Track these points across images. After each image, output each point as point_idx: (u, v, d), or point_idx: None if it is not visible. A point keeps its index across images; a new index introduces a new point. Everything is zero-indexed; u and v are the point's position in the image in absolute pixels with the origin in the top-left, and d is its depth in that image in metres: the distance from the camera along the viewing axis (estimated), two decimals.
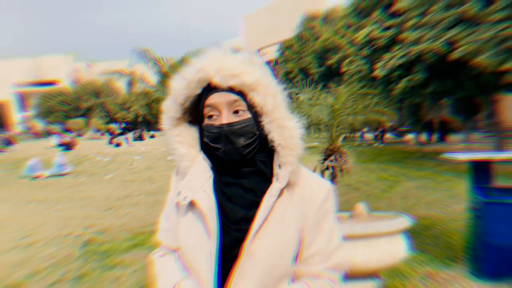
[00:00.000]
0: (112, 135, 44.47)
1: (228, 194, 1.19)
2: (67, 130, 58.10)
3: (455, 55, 11.48)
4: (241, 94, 1.16)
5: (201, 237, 1.17)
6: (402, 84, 13.72)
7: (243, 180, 1.20)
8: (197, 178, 1.23)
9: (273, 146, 1.19)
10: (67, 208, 9.03)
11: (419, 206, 7.75)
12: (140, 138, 43.19)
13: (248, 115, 1.17)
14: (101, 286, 4.42)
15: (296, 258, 1.21)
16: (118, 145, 33.14)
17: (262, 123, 1.18)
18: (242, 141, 1.15)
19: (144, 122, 61.70)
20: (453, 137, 25.80)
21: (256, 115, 1.18)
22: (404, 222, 3.54)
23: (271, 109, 1.17)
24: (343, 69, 22.86)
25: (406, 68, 13.52)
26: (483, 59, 10.86)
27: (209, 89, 1.17)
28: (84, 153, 25.01)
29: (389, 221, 3.50)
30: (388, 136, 32.33)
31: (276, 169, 1.19)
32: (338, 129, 5.63)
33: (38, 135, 58.71)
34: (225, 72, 1.14)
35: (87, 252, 5.72)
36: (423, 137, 23.05)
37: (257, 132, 1.18)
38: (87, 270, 4.96)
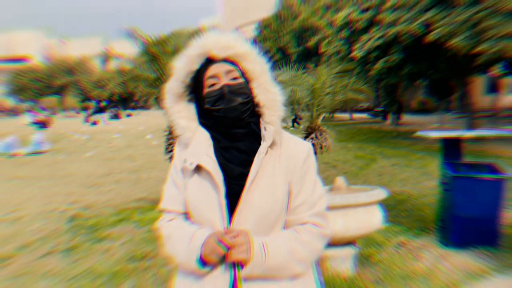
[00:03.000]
0: (89, 112, 43.87)
1: (226, 157, 1.41)
2: (41, 108, 56.85)
3: (430, 37, 11.80)
4: (235, 64, 1.42)
5: (210, 192, 1.38)
6: (379, 65, 14.03)
7: (238, 143, 1.42)
8: (199, 146, 1.44)
9: (259, 111, 1.44)
10: (50, 185, 9.08)
11: (394, 182, 8.12)
12: (116, 116, 42.75)
13: (242, 80, 1.42)
14: (91, 257, 4.60)
15: (286, 209, 1.43)
16: (94, 123, 32.79)
17: (252, 88, 1.44)
18: (239, 99, 1.39)
19: (120, 101, 60.81)
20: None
21: (246, 82, 1.43)
22: (380, 193, 3.82)
23: (259, 75, 1.43)
24: (322, 50, 23.08)
25: (383, 49, 13.82)
26: (457, 42, 11.23)
27: (207, 62, 1.42)
28: (61, 131, 24.71)
29: (366, 193, 3.77)
30: (364, 116, 32.95)
31: (262, 131, 1.42)
32: (319, 108, 5.88)
33: (6, 112, 57.57)
34: (222, 45, 1.40)
35: (74, 227, 5.86)
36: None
37: (250, 95, 1.43)
38: (77, 242, 5.12)
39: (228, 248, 1.30)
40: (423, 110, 34.30)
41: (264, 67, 1.45)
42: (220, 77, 1.40)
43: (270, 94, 1.44)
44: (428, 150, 12.11)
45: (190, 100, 1.50)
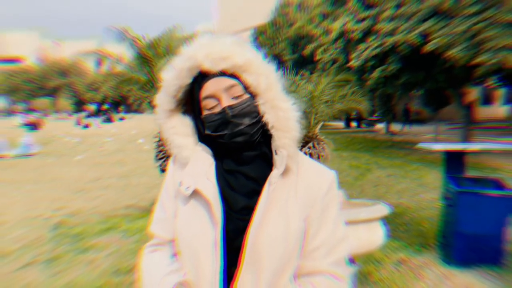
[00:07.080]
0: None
1: (230, 182, 1.15)
2: (32, 110, 56.33)
3: (428, 47, 11.67)
4: (235, 77, 1.13)
5: (205, 226, 1.12)
6: (376, 74, 13.89)
7: (245, 167, 1.15)
8: (199, 166, 1.18)
9: (269, 130, 1.16)
10: (35, 190, 8.77)
11: (390, 194, 7.92)
12: (109, 120, 42.35)
13: (246, 96, 1.14)
14: (74, 269, 4.33)
15: (300, 251, 1.16)
16: (86, 126, 32.40)
17: (258, 104, 1.15)
18: (247, 121, 1.12)
19: (113, 104, 60.42)
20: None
21: (252, 97, 1.15)
22: (383, 210, 3.60)
23: (264, 89, 1.14)
24: (317, 57, 22.94)
25: (380, 58, 13.68)
26: (455, 53, 11.11)
27: (202, 77, 1.14)
28: (52, 134, 24.32)
29: (368, 209, 3.55)
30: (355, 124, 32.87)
31: (274, 155, 1.16)
32: (317, 117, 5.67)
33: None
34: (214, 56, 1.11)
35: (58, 235, 5.59)
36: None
37: (259, 112, 1.15)
38: (59, 252, 4.85)
39: None
40: (417, 120, 34.28)
41: (270, 79, 1.15)
42: (219, 97, 1.12)
43: (280, 112, 1.14)
44: (423, 161, 11.95)
45: (185, 112, 1.24)
